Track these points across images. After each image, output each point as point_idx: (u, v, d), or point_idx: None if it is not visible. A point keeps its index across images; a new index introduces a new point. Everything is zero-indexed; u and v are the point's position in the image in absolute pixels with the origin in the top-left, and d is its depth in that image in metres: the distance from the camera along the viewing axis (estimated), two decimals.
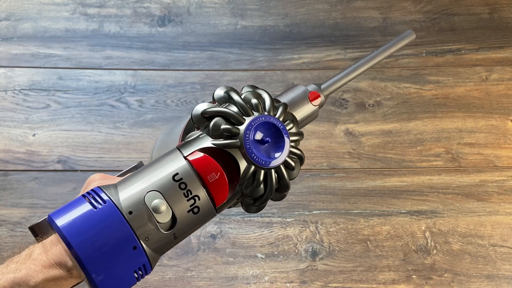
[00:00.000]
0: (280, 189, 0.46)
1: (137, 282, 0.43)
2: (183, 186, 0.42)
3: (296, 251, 1.11)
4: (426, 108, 1.29)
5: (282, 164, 0.45)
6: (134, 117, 1.25)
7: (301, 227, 1.13)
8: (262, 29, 1.40)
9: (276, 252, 1.10)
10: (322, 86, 0.53)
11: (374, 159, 1.22)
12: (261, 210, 0.46)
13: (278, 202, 1.15)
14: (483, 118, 1.28)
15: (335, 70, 1.34)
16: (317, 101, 0.52)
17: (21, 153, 1.20)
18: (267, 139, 0.45)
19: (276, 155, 0.45)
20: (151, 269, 0.42)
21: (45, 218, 0.52)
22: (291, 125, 0.47)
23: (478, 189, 1.19)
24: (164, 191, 0.42)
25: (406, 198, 1.17)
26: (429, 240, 1.12)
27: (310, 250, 1.11)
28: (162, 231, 0.41)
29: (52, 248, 0.45)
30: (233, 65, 1.34)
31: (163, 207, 0.41)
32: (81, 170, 1.18)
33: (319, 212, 1.15)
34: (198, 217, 0.43)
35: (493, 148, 1.24)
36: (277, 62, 1.35)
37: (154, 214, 0.41)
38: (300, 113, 0.51)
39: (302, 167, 0.53)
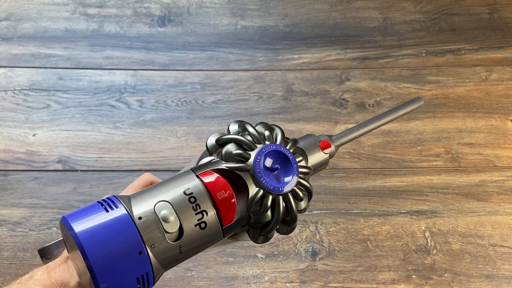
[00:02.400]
0: (288, 221, 0.47)
1: None
2: (192, 200, 0.44)
3: (296, 251, 1.11)
4: (426, 108, 1.29)
5: (290, 193, 0.46)
6: (134, 117, 1.25)
7: (301, 227, 1.13)
8: (262, 29, 1.41)
9: (276, 252, 1.11)
10: (333, 137, 0.55)
11: (374, 159, 1.22)
12: (268, 241, 0.47)
13: None
14: (483, 118, 1.28)
15: (335, 70, 1.34)
16: (327, 150, 0.54)
17: (21, 153, 1.20)
18: (276, 166, 0.47)
19: (285, 182, 0.46)
20: (154, 282, 0.43)
21: (54, 242, 0.54)
22: (300, 158, 0.49)
23: (478, 189, 1.19)
24: (174, 203, 0.43)
25: (406, 198, 1.17)
26: (429, 240, 1.12)
27: (310, 250, 1.11)
28: (169, 241, 0.42)
29: (55, 269, 0.46)
30: (233, 65, 1.34)
31: (172, 217, 0.42)
32: (81, 170, 1.18)
33: (319, 212, 1.15)
34: (205, 234, 0.44)
35: (493, 148, 1.24)
36: (277, 62, 1.35)
37: (163, 223, 0.42)
38: (310, 160, 0.52)
39: (313, 175, 0.53)
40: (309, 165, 0.51)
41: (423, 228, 1.14)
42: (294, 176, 0.47)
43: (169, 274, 1.07)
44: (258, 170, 0.45)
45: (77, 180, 1.17)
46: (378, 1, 1.46)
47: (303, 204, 0.47)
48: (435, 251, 1.11)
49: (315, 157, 0.53)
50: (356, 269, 1.09)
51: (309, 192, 0.48)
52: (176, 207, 0.43)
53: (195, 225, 0.43)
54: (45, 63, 1.32)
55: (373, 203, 1.16)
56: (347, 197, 1.17)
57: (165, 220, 0.42)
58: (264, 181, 0.45)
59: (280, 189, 0.46)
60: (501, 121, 1.28)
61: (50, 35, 1.36)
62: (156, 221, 0.42)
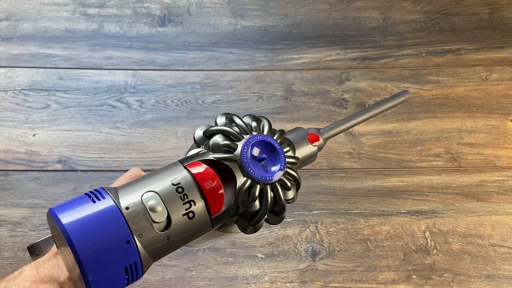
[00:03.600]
0: (276, 211, 0.47)
1: (131, 284, 0.43)
2: (180, 190, 0.44)
3: (296, 251, 1.11)
4: (426, 108, 1.29)
5: (277, 182, 0.47)
6: (134, 117, 1.25)
7: (301, 227, 1.13)
8: (262, 29, 1.40)
9: (276, 252, 1.11)
10: (321, 130, 0.56)
11: (374, 159, 1.22)
12: (257, 231, 0.47)
13: None
14: (483, 118, 1.28)
15: (335, 70, 1.34)
16: (316, 143, 0.54)
17: (21, 153, 1.20)
18: (264, 156, 0.47)
19: (272, 171, 0.47)
20: (142, 272, 0.43)
21: (43, 239, 0.53)
22: (287, 148, 0.49)
23: (478, 189, 1.19)
24: (161, 193, 0.43)
25: (406, 198, 1.17)
26: (429, 240, 1.12)
27: (310, 250, 1.11)
28: (157, 230, 0.42)
29: (44, 264, 0.46)
30: (233, 65, 1.34)
31: (159, 207, 0.42)
32: (81, 170, 1.18)
33: (319, 212, 1.15)
34: (193, 224, 0.44)
35: (493, 148, 1.24)
36: (277, 62, 1.35)
37: (150, 213, 0.42)
38: (299, 153, 0.52)
39: (302, 168, 0.53)
40: (297, 156, 0.52)
41: (423, 228, 1.14)
42: (281, 166, 0.47)
43: (169, 274, 1.07)
44: (245, 160, 0.46)
45: (77, 180, 1.17)
46: (378, 1, 1.46)
47: (291, 193, 0.48)
48: (435, 251, 1.11)
49: (304, 150, 0.53)
50: (356, 269, 1.09)
51: (297, 182, 0.48)
52: (164, 197, 0.43)
53: (183, 215, 0.43)
54: (45, 63, 1.32)
55: (373, 203, 1.16)
56: (347, 197, 1.17)
57: (153, 210, 0.42)
58: (251, 171, 0.45)
59: (268, 178, 0.46)
60: (501, 121, 1.28)
61: (50, 35, 1.36)
62: (143, 211, 0.42)
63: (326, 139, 0.55)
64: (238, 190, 0.45)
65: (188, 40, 1.38)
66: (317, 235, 1.13)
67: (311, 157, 0.54)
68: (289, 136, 0.52)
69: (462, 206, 1.17)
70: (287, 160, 0.48)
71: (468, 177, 1.20)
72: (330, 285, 1.07)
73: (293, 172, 0.48)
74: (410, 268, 1.09)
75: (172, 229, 0.43)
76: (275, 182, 0.46)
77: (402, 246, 1.12)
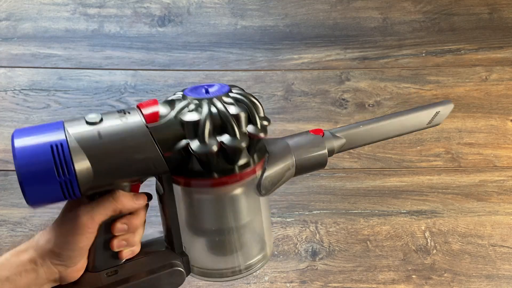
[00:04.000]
0: (232, 134, 0.47)
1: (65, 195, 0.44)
2: (119, 110, 0.48)
3: (296, 251, 1.11)
4: None
5: (217, 99, 0.48)
6: None
7: (301, 227, 1.13)
8: (262, 29, 1.40)
9: (276, 252, 1.11)
10: (333, 130, 0.57)
11: (374, 159, 1.22)
12: (208, 158, 0.47)
13: (278, 201, 1.15)
14: (483, 118, 1.28)
15: (335, 70, 1.34)
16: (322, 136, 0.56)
17: None
18: (207, 88, 0.50)
19: (211, 92, 0.49)
20: (75, 175, 0.43)
21: None
22: (240, 91, 0.50)
23: (478, 189, 1.19)
24: (102, 112, 0.48)
25: (406, 198, 1.17)
26: (429, 240, 1.12)
27: (310, 250, 1.11)
28: (86, 122, 0.46)
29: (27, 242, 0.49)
30: (233, 65, 1.34)
31: (95, 114, 0.46)
32: None
33: (319, 212, 1.15)
34: (126, 126, 0.46)
35: (493, 148, 1.24)
36: (277, 62, 1.35)
37: (85, 116, 0.46)
38: (307, 150, 0.55)
39: (309, 172, 0.54)
40: (305, 156, 0.54)
41: (423, 228, 1.14)
42: (222, 89, 0.49)
43: None
44: (186, 91, 0.49)
45: None
46: (378, 1, 1.46)
47: (234, 109, 0.47)
48: (435, 251, 1.11)
49: (306, 140, 0.55)
50: (356, 269, 1.09)
51: (247, 106, 0.48)
52: (103, 112, 0.47)
53: (115, 118, 0.46)
54: (45, 63, 1.32)
55: (373, 203, 1.16)
56: (347, 197, 1.17)
57: (89, 115, 0.46)
58: (190, 94, 0.48)
59: (206, 96, 0.48)
60: (501, 121, 1.28)
61: (50, 35, 1.36)
62: (81, 117, 0.46)
63: (339, 141, 0.57)
64: (177, 106, 0.47)
65: (188, 40, 1.38)
66: (317, 235, 1.13)
67: (315, 146, 0.55)
68: (292, 137, 0.54)
69: (462, 206, 1.17)
70: (240, 93, 0.49)
71: (468, 177, 1.20)
72: (330, 285, 1.07)
73: (244, 98, 0.48)
74: (410, 268, 1.09)
75: (104, 126, 0.45)
76: (214, 98, 0.47)
77: (402, 246, 1.12)
